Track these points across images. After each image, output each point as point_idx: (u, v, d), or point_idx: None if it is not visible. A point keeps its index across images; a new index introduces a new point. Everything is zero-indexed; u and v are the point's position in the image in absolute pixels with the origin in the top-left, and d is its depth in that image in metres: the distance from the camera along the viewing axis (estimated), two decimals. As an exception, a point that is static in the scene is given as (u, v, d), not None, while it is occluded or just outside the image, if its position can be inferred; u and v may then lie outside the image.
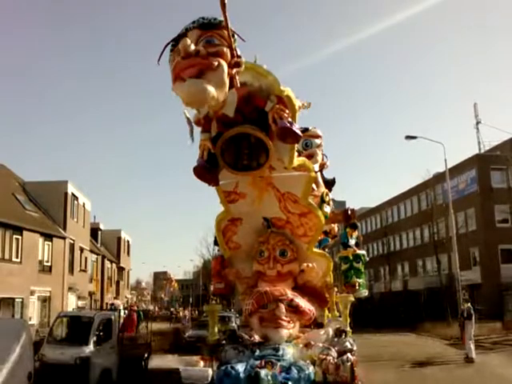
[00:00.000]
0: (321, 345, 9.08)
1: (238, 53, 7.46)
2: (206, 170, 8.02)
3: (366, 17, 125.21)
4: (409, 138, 29.20)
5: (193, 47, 6.83)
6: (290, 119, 7.88)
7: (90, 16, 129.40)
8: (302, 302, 9.87)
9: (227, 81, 7.23)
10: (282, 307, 9.59)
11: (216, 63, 7.03)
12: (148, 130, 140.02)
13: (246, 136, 8.44)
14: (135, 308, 30.17)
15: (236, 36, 7.36)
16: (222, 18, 6.96)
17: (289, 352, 8.65)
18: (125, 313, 26.16)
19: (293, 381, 7.54)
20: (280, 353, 8.52)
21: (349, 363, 8.07)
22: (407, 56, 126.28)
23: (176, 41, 7.24)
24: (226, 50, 7.21)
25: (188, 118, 8.90)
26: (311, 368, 7.96)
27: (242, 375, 7.58)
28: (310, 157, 13.14)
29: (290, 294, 9.79)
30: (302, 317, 9.88)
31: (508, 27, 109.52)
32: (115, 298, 50.12)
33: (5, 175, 32.48)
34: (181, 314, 50.80)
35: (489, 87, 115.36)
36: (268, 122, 8.07)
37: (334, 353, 8.60)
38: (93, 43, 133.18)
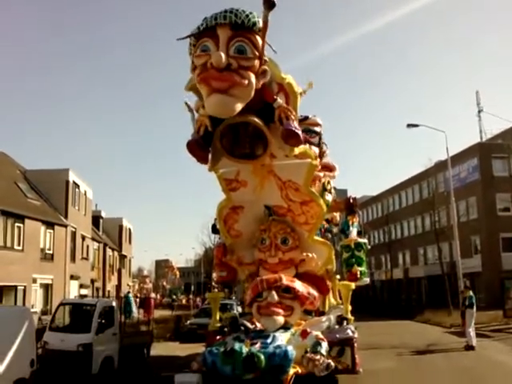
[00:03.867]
0: (314, 334, 9.12)
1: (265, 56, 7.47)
2: (199, 147, 7.99)
3: (369, 10, 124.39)
4: (411, 126, 29.00)
5: (225, 60, 6.75)
6: (295, 122, 7.93)
7: None
8: (300, 287, 9.86)
9: (253, 92, 7.31)
10: (274, 294, 9.65)
11: (246, 82, 7.04)
12: (149, 117, 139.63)
13: (244, 124, 8.41)
14: (152, 295, 37.99)
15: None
16: (256, 19, 6.94)
17: (280, 339, 8.71)
18: (137, 300, 31.37)
19: (266, 354, 7.66)
20: (269, 340, 8.59)
21: (329, 370, 8.24)
22: (408, 45, 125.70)
23: (203, 31, 7.10)
24: (256, 63, 7.17)
25: (189, 106, 8.87)
26: (290, 347, 8.09)
27: (221, 351, 7.78)
28: (328, 169, 13.24)
29: (285, 279, 9.80)
30: (301, 301, 9.89)
31: (510, 16, 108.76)
32: (117, 286, 50.45)
33: (6, 163, 32.44)
34: (190, 301, 52.06)
35: (491, 75, 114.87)
36: (270, 113, 8.06)
37: (324, 349, 8.67)
38: (96, 27, 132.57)
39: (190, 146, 7.90)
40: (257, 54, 7.16)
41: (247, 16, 6.96)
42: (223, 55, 6.79)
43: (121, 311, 16.46)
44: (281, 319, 9.40)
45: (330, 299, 13.90)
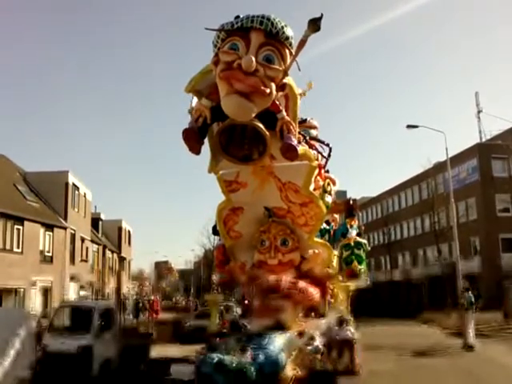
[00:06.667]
0: (310, 332, 9.18)
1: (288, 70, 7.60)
2: (196, 136, 7.93)
3: (369, 9, 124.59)
4: (410, 127, 29.08)
5: (254, 64, 6.80)
6: (295, 137, 7.98)
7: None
8: (285, 283, 9.88)
9: (270, 102, 7.45)
10: (257, 299, 9.79)
11: (268, 91, 7.10)
12: (149, 118, 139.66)
13: (243, 126, 8.40)
14: (157, 298, 41.76)
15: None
16: (290, 33, 7.13)
17: (276, 341, 8.75)
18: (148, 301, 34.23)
19: (255, 365, 7.69)
20: (264, 342, 8.63)
21: (318, 353, 8.30)
22: (408, 45, 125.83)
23: (236, 29, 7.14)
24: (280, 75, 7.26)
25: (191, 108, 8.87)
26: (281, 354, 8.14)
27: (213, 362, 7.82)
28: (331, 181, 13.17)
29: (270, 280, 9.84)
30: (289, 297, 9.91)
31: (510, 15, 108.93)
32: (117, 288, 50.46)
33: (5, 165, 32.45)
34: (189, 303, 52.51)
35: (490, 76, 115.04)
36: (269, 120, 8.09)
37: (317, 342, 8.74)
38: (94, 26, 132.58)
39: (187, 133, 7.80)
40: (283, 66, 7.24)
41: (283, 27, 7.04)
42: (254, 60, 6.84)
43: (124, 313, 16.47)
44: (264, 321, 9.55)
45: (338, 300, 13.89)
